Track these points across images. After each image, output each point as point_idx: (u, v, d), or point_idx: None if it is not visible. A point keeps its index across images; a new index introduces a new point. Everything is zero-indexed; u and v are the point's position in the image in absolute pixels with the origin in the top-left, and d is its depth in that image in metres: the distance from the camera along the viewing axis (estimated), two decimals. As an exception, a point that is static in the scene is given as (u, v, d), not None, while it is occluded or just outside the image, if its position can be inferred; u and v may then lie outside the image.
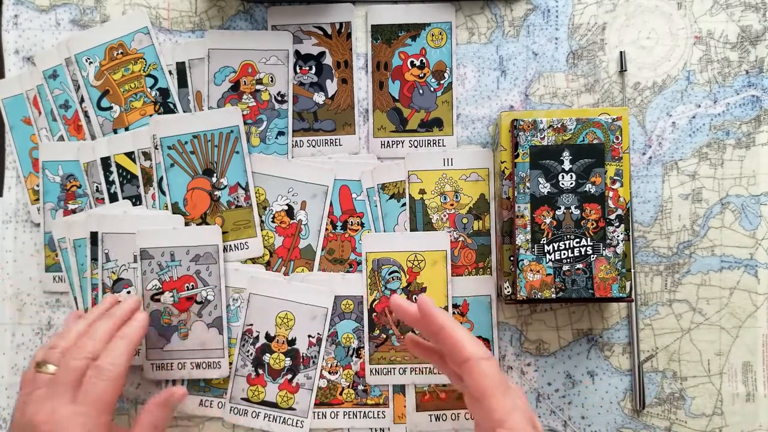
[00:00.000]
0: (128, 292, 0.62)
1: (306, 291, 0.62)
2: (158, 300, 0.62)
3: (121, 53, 0.63)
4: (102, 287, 0.62)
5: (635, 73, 0.63)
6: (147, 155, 0.63)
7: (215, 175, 0.62)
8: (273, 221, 0.62)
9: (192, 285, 0.62)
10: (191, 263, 0.62)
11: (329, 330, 0.62)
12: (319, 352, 0.62)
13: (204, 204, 0.62)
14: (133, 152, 0.63)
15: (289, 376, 0.62)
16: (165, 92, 0.63)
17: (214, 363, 0.62)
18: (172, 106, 0.63)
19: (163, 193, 0.62)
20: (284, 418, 0.61)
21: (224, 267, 0.62)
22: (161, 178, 0.62)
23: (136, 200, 0.63)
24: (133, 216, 0.62)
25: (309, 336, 0.62)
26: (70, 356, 0.51)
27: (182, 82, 0.63)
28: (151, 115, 0.63)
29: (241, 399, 0.62)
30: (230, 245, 0.62)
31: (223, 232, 0.62)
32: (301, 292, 0.62)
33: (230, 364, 0.62)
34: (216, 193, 0.62)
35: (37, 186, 0.63)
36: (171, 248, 0.61)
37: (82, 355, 0.51)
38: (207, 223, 0.62)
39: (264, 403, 0.62)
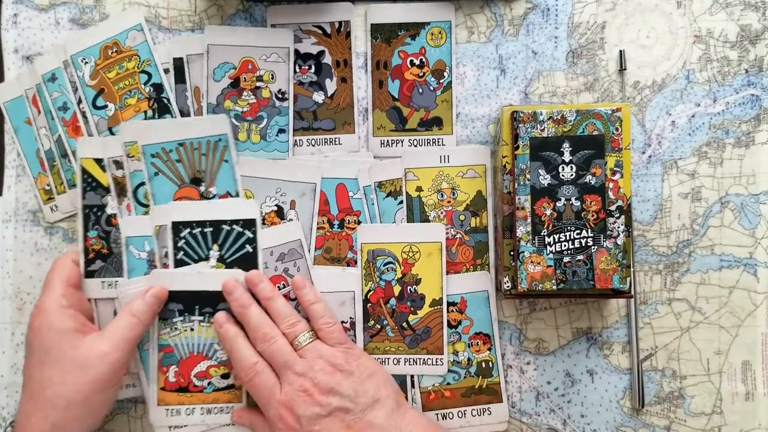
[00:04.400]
0: None
1: (330, 278, 0.62)
2: None
3: (116, 51, 0.63)
4: None
5: (635, 72, 0.63)
6: (119, 164, 0.61)
7: (203, 184, 0.62)
8: (264, 223, 0.62)
9: (283, 284, 0.62)
10: (277, 263, 0.61)
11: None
12: (355, 335, 0.62)
13: None
14: (102, 159, 0.62)
15: None
16: (159, 87, 0.63)
17: None
18: (166, 101, 0.63)
19: (140, 203, 0.61)
20: None
21: (311, 259, 0.62)
22: (138, 187, 0.61)
23: (98, 210, 0.61)
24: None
25: (342, 322, 0.62)
26: None
27: (180, 78, 0.63)
28: (145, 111, 0.63)
29: None
30: None
31: None
32: (325, 281, 0.62)
33: None
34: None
35: (48, 186, 0.63)
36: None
37: None
38: None
39: None
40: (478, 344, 0.62)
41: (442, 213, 0.62)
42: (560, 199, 0.55)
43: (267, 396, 0.56)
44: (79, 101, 0.63)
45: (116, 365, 0.55)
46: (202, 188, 0.62)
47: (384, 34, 0.63)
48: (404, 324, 0.62)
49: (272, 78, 0.63)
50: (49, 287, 0.58)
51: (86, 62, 0.63)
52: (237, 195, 0.62)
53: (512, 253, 0.57)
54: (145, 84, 0.63)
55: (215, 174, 0.62)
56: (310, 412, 0.54)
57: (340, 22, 0.63)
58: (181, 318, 0.60)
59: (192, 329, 0.60)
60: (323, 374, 0.55)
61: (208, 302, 0.60)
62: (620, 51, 0.62)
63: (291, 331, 0.58)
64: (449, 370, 0.62)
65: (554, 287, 0.54)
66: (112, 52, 0.63)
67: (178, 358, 0.60)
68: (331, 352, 0.57)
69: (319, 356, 0.56)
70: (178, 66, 0.63)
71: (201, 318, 0.60)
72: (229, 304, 0.59)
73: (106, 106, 0.63)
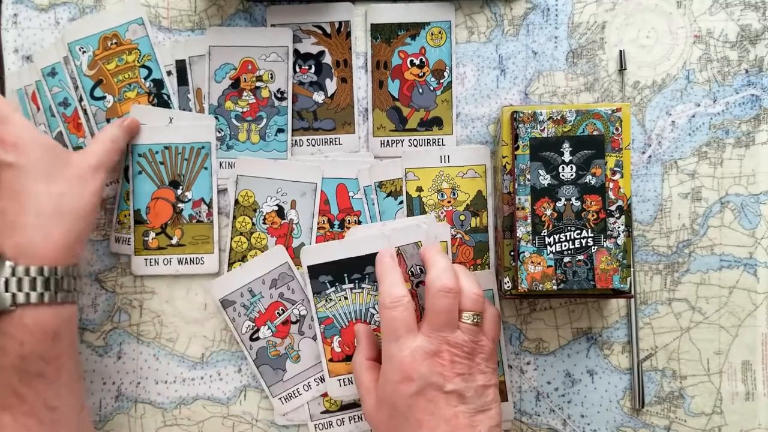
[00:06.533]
0: None
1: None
2: (258, 338, 0.62)
3: (115, 43, 0.63)
4: None
5: (635, 72, 0.63)
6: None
7: (181, 187, 0.63)
8: (264, 223, 0.62)
9: (282, 309, 0.62)
10: (272, 290, 0.62)
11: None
12: None
13: (166, 214, 0.63)
14: None
15: None
16: (159, 83, 0.63)
17: None
18: (166, 97, 0.63)
19: (127, 180, 0.63)
20: None
21: (303, 277, 0.61)
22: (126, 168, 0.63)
23: None
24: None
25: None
26: None
27: (182, 80, 0.63)
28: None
29: (321, 413, 0.62)
30: (186, 258, 0.62)
31: (180, 245, 0.62)
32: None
33: None
34: (179, 205, 0.63)
35: None
36: (247, 285, 0.62)
37: None
38: (167, 234, 0.62)
39: (344, 408, 0.62)
40: (478, 344, 0.62)
41: (442, 213, 0.62)
42: (560, 199, 0.55)
43: (397, 335, 0.52)
44: (81, 99, 0.63)
45: (103, 181, 0.57)
46: (179, 191, 0.63)
47: (384, 34, 0.63)
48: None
49: (271, 78, 0.63)
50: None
51: (84, 51, 0.63)
52: (210, 203, 0.62)
53: (512, 253, 0.57)
54: (145, 79, 0.63)
55: (193, 180, 0.63)
56: (434, 377, 0.51)
57: (340, 22, 0.63)
58: (333, 289, 0.60)
59: (345, 297, 0.60)
60: (459, 359, 0.52)
61: (355, 269, 0.60)
62: (620, 51, 0.62)
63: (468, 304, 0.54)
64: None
65: (554, 287, 0.54)
66: (111, 44, 0.63)
67: (339, 328, 0.61)
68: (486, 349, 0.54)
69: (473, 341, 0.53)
70: (181, 68, 0.63)
71: (351, 285, 0.60)
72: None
73: (104, 98, 0.63)
